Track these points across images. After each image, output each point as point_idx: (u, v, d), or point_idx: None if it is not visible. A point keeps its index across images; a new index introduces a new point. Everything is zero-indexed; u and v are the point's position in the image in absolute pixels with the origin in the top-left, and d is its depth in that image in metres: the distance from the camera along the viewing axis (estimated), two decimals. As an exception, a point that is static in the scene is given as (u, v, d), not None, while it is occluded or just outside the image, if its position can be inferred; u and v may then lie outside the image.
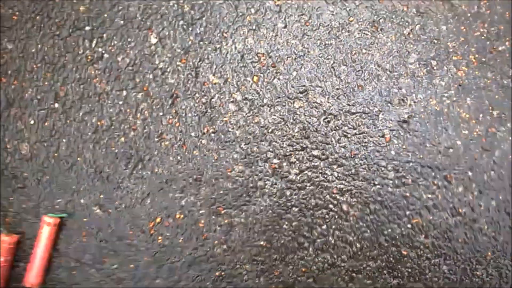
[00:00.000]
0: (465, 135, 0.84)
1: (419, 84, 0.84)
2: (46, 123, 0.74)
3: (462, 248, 0.80)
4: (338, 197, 0.78)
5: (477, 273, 0.80)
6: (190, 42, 0.80)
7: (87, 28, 0.78)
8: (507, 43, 0.89)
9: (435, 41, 0.86)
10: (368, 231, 0.78)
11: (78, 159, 0.73)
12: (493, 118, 0.85)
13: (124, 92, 0.76)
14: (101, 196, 0.73)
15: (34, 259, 0.68)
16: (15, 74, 0.76)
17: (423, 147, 0.83)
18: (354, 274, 0.77)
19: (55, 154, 0.74)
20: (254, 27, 0.82)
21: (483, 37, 0.88)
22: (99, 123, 0.75)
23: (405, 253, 0.79)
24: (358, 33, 0.85)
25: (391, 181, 0.81)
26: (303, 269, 0.76)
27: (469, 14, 0.89)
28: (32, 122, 0.74)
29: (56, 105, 0.75)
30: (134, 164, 0.74)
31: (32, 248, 0.70)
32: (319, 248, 0.76)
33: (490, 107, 0.85)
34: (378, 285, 0.77)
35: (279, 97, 0.81)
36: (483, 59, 0.87)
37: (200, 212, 0.75)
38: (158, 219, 0.73)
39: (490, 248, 0.80)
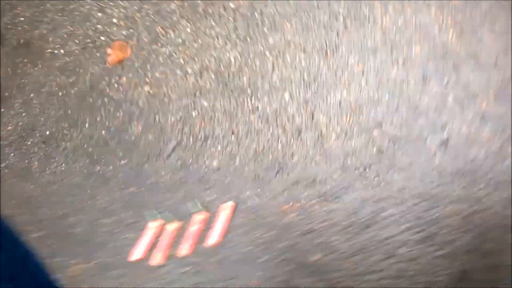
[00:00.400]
0: (487, 146, 1.29)
1: (454, 117, 1.30)
2: (225, 150, 1.30)
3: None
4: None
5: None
6: (307, 98, 1.32)
7: (249, 91, 1.32)
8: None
9: (458, 86, 1.32)
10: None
11: (246, 168, 1.28)
12: (506, 137, 1.29)
13: (272, 128, 1.30)
14: (258, 190, 1.27)
15: (218, 228, 1.23)
16: (207, 122, 1.31)
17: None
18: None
19: (232, 167, 1.29)
20: (346, 85, 1.32)
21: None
22: (257, 148, 1.30)
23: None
24: (413, 84, 1.33)
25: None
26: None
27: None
28: (219, 149, 1.30)
29: (233, 137, 1.30)
30: (278, 170, 1.28)
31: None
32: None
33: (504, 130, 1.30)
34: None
35: (363, 126, 1.31)
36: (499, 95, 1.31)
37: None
38: (289, 204, 1.26)
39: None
